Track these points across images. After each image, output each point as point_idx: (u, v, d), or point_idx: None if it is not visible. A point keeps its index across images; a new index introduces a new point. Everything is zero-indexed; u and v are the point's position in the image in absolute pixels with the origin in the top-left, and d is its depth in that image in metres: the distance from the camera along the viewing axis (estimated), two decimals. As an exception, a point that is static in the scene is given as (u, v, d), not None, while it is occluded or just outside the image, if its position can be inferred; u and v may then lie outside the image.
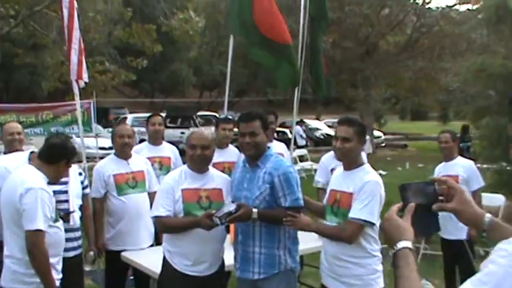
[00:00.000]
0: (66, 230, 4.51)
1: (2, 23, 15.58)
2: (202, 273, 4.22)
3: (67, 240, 4.52)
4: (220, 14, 29.91)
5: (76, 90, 6.80)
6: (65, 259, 4.39)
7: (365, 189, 3.88)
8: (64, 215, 4.63)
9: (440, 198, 2.01)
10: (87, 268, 5.40)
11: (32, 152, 4.62)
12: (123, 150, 5.58)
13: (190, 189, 4.23)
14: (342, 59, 25.53)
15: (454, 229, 5.74)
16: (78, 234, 5.06)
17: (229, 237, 4.78)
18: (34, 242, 3.88)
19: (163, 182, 4.40)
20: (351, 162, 4.07)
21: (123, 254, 5.29)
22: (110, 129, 24.31)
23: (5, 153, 5.50)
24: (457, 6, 26.73)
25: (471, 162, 6.49)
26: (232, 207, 3.98)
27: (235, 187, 4.29)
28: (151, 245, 5.59)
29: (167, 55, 37.63)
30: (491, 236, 1.89)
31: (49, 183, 4.11)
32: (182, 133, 22.70)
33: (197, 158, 4.24)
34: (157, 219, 4.25)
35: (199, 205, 4.21)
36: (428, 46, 26.17)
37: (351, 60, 25.66)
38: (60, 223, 4.24)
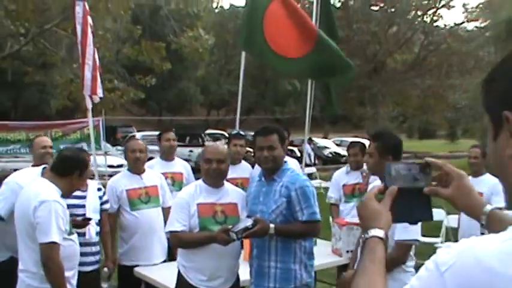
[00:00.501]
0: (83, 244, 4.51)
1: (12, 41, 15.69)
2: None
3: (83, 254, 4.51)
4: (228, 33, 30.11)
5: (89, 106, 6.83)
6: (81, 273, 4.38)
7: None
8: (82, 221, 4.63)
9: (433, 183, 1.72)
10: (104, 285, 5.35)
11: (44, 168, 4.62)
12: (135, 165, 5.57)
13: (206, 204, 4.21)
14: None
15: None
16: (95, 249, 5.05)
17: (243, 253, 4.75)
18: (48, 255, 3.86)
19: (178, 197, 4.38)
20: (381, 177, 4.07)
21: (136, 269, 5.26)
22: (119, 147, 24.45)
23: (33, 165, 5.51)
24: (464, 24, 26.83)
25: (497, 181, 6.42)
26: (248, 222, 3.95)
27: (250, 201, 4.27)
28: (165, 261, 5.55)
29: (175, 74, 37.81)
30: (491, 227, 1.63)
31: (63, 196, 4.10)
32: (191, 151, 22.72)
33: (213, 172, 4.22)
34: (172, 234, 4.21)
35: (214, 220, 4.18)
36: (436, 64, 26.27)
37: (358, 77, 25.73)
38: (74, 236, 4.22)
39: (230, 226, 3.98)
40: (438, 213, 9.31)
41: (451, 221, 8.88)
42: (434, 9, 25.10)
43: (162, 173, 6.05)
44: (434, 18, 25.87)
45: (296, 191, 4.04)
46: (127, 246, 5.46)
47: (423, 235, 8.87)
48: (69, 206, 4.33)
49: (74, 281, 4.21)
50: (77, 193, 4.78)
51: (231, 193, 4.36)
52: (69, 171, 4.14)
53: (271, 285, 4.09)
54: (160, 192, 5.63)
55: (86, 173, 4.31)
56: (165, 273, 4.95)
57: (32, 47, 16.02)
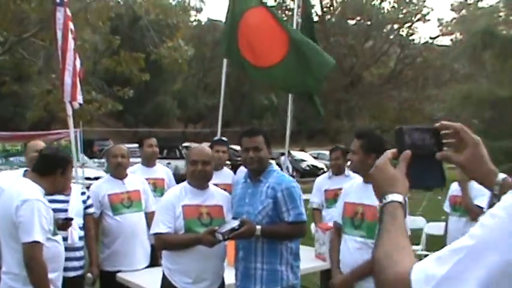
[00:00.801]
0: (66, 249, 4.39)
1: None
2: None
3: (67, 259, 4.39)
4: (206, 46, 30.12)
5: (69, 112, 6.76)
6: (65, 279, 4.28)
7: None
8: (63, 223, 4.54)
9: (445, 148, 1.62)
10: None
11: (26, 170, 4.55)
12: (117, 170, 5.51)
13: (191, 206, 4.18)
14: (327, 89, 25.77)
15: None
16: (79, 254, 4.97)
17: (227, 257, 4.70)
18: (31, 255, 3.76)
19: (163, 199, 4.35)
20: (365, 175, 4.10)
21: (118, 274, 5.19)
22: (95, 160, 24.17)
23: (26, 170, 5.43)
24: (439, 38, 27.23)
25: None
26: (235, 223, 3.92)
27: (236, 203, 4.25)
28: (147, 266, 5.48)
29: (152, 87, 37.69)
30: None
31: (47, 196, 4.03)
32: (168, 163, 22.62)
33: (198, 174, 4.19)
34: (157, 236, 4.17)
35: (200, 222, 4.15)
36: (412, 77, 26.57)
37: (335, 91, 25.93)
38: (59, 237, 4.13)
39: (216, 227, 3.95)
40: (418, 221, 9.40)
41: (431, 228, 8.96)
42: (410, 23, 25.44)
43: (144, 179, 6.00)
44: (410, 31, 26.23)
45: (282, 192, 4.03)
46: (109, 251, 5.38)
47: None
48: (52, 211, 4.22)
49: (59, 283, 4.12)
50: (60, 197, 4.74)
51: (216, 195, 4.33)
52: (51, 170, 4.06)
53: (258, 286, 4.05)
54: (143, 197, 5.57)
55: (69, 172, 4.24)
56: (148, 278, 4.89)
57: (8, 57, 15.83)
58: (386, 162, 1.60)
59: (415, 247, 8.72)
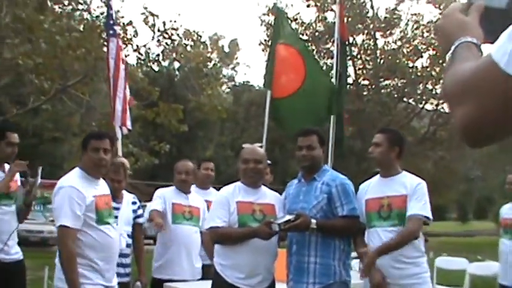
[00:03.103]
0: None
1: (34, 97, 16.04)
2: (254, 286, 4.17)
3: None
4: (241, 106, 30.53)
5: (119, 136, 7.00)
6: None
7: (419, 190, 4.11)
8: None
9: None
10: None
11: None
12: (181, 186, 5.58)
13: (245, 202, 4.28)
14: (362, 148, 25.77)
15: None
16: (125, 260, 5.07)
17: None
18: (60, 238, 3.93)
19: (219, 195, 4.47)
20: (387, 168, 4.25)
21: (166, 284, 5.22)
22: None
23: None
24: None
25: None
26: (291, 216, 4.01)
27: (290, 201, 4.33)
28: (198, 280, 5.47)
29: (182, 155, 38.08)
30: None
31: None
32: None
33: (250, 171, 4.31)
34: (212, 230, 4.26)
35: (253, 217, 4.23)
36: (446, 137, 26.48)
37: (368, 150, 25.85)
38: (107, 227, 4.17)
39: (272, 219, 4.04)
40: (460, 263, 9.22)
41: (474, 268, 8.78)
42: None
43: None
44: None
45: (337, 187, 4.13)
46: (162, 258, 5.40)
47: (446, 285, 8.75)
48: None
49: (110, 275, 4.18)
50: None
51: (268, 194, 4.44)
52: None
53: (311, 280, 4.08)
54: (201, 215, 5.58)
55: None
56: (195, 285, 4.94)
57: (51, 106, 16.33)
58: (456, 9, 1.34)
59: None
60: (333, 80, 8.21)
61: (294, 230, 4.05)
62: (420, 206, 4.04)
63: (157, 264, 5.44)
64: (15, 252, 4.84)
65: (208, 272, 5.40)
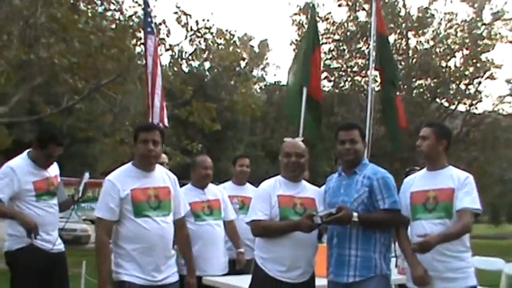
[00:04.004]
0: None
1: (68, 97, 16.25)
2: (295, 280, 4.19)
3: None
4: (272, 106, 30.30)
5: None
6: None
7: (468, 183, 4.05)
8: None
9: None
10: None
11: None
12: (202, 181, 5.60)
13: (286, 196, 4.29)
14: (394, 149, 25.53)
15: None
16: None
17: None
18: (96, 228, 4.19)
19: (260, 188, 4.47)
20: (433, 162, 4.19)
21: (206, 277, 5.21)
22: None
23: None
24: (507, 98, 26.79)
25: None
26: (333, 209, 4.01)
27: (331, 195, 4.33)
28: (226, 274, 5.46)
29: (213, 155, 38.12)
30: None
31: None
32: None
33: (292, 165, 4.32)
34: (254, 223, 4.28)
35: (294, 210, 4.25)
36: (480, 138, 26.12)
37: (401, 150, 25.64)
38: (146, 219, 4.12)
39: (314, 212, 4.04)
40: (496, 263, 9.06)
41: (511, 269, 8.61)
42: (477, 81, 25.22)
43: (233, 196, 6.08)
44: (479, 89, 25.82)
45: (378, 181, 4.12)
46: None
47: (482, 285, 8.64)
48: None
49: (153, 269, 4.14)
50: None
51: (308, 188, 4.45)
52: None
53: (351, 273, 4.08)
54: (222, 206, 5.64)
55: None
56: (234, 279, 4.95)
57: (84, 105, 16.51)
58: None
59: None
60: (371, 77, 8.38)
61: (336, 223, 4.04)
62: (471, 199, 4.00)
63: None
64: (59, 243, 4.96)
65: (235, 265, 5.59)
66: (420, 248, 3.82)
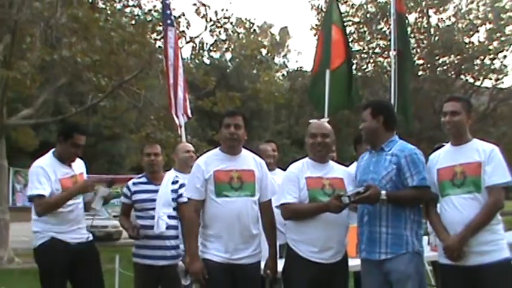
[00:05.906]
0: (156, 238, 5.07)
1: (93, 95, 16.39)
2: (327, 260, 4.20)
3: (156, 247, 5.14)
4: (295, 92, 30.18)
5: (182, 123, 7.10)
6: (156, 267, 5.15)
7: (494, 156, 4.01)
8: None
9: None
10: (184, 282, 5.00)
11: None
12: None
13: (314, 178, 4.30)
14: (420, 128, 25.30)
15: None
16: (169, 243, 5.21)
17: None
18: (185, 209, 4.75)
19: (287, 172, 4.47)
20: (460, 136, 4.15)
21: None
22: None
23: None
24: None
25: None
26: (360, 188, 4.01)
27: (361, 172, 4.34)
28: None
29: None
30: None
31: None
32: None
33: (318, 145, 4.33)
34: (284, 206, 4.29)
35: (323, 191, 4.25)
36: (507, 114, 25.75)
37: (428, 129, 25.37)
38: (227, 200, 4.31)
39: (342, 193, 4.04)
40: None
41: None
42: (502, 55, 24.83)
43: None
44: (505, 63, 25.41)
45: (406, 158, 4.10)
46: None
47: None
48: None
49: (233, 249, 4.29)
50: (150, 187, 5.24)
51: (336, 169, 4.45)
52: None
53: (383, 250, 4.08)
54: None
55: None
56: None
57: (108, 103, 16.60)
58: None
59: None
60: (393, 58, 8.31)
61: (364, 202, 4.05)
62: (500, 173, 3.95)
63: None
64: (85, 233, 5.06)
65: None
66: (450, 256, 3.98)
